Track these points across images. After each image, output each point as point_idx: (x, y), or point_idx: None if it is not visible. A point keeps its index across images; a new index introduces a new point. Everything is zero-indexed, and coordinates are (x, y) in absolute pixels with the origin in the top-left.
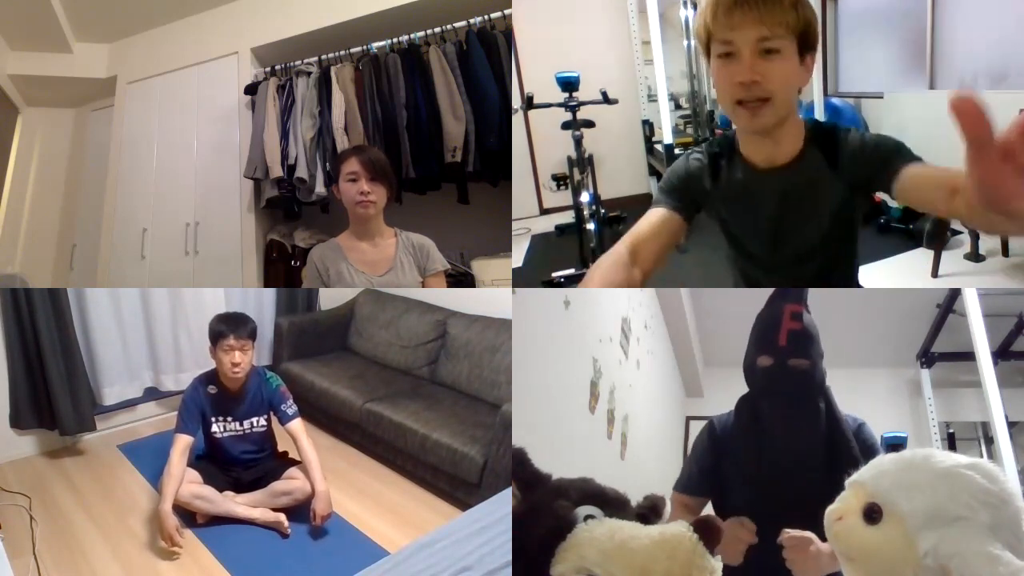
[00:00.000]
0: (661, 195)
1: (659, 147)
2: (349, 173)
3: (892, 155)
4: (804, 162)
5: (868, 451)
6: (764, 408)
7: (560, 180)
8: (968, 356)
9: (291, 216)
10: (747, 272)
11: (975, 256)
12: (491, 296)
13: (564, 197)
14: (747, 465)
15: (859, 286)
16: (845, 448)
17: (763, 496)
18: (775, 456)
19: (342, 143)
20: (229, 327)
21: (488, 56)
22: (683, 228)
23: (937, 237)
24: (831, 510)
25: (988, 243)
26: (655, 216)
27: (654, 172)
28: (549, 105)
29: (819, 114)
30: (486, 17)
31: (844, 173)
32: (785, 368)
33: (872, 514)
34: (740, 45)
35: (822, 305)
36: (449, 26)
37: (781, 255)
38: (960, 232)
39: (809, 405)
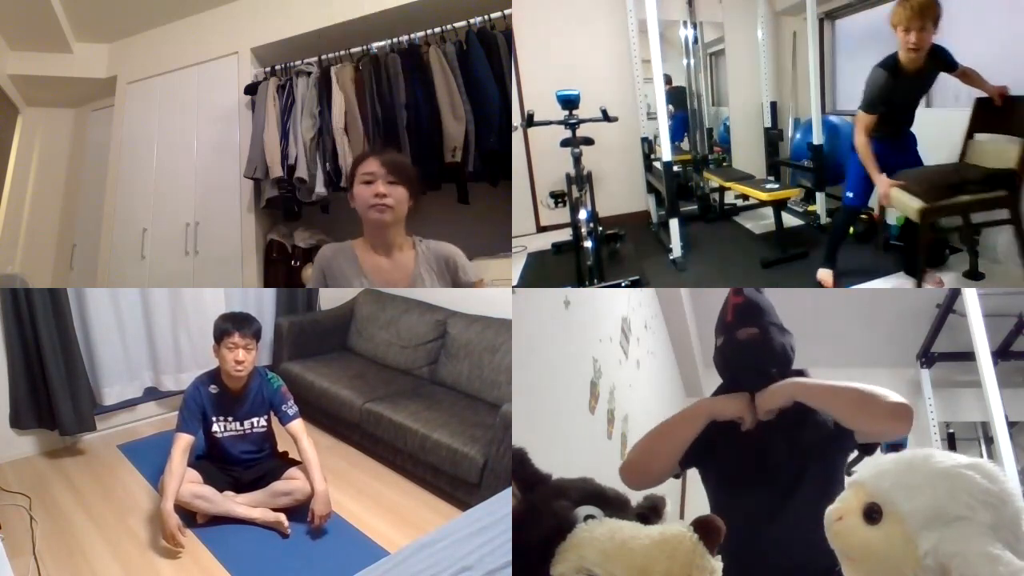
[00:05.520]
0: None
1: (658, 164)
2: (365, 174)
3: None
4: None
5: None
6: (725, 390)
7: (558, 198)
8: (968, 356)
9: (291, 216)
10: None
11: (974, 274)
12: (491, 296)
13: (562, 215)
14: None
15: None
16: (810, 432)
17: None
18: (735, 438)
19: (342, 143)
20: (235, 325)
21: (488, 56)
22: None
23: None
24: (831, 510)
25: (987, 261)
26: None
27: (652, 189)
28: (549, 123)
29: (816, 131)
30: (486, 17)
31: None
32: (734, 341)
33: (872, 514)
34: None
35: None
36: (449, 26)
37: None
38: (959, 250)
39: (762, 379)
